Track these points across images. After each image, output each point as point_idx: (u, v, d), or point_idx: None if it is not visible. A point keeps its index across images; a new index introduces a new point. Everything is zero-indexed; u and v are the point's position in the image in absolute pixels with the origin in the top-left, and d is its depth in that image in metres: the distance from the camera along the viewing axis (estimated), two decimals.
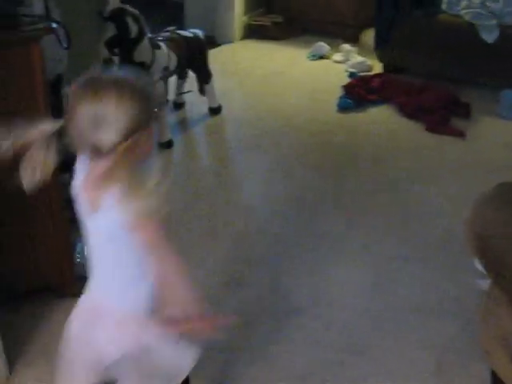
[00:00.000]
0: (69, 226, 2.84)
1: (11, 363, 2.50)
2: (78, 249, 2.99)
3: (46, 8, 3.13)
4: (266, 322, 2.77)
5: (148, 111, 1.61)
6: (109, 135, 1.55)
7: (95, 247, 1.81)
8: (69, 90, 1.60)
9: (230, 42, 6.44)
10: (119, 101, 1.54)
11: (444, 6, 5.34)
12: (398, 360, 2.57)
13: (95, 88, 1.57)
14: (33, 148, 1.67)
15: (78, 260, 2.95)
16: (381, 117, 4.74)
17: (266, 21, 6.54)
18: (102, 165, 1.59)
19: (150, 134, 1.65)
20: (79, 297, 2.74)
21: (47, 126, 1.67)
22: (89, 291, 1.89)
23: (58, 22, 2.58)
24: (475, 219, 1.85)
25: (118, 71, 1.69)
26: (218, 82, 4.93)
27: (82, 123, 1.56)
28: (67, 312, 2.74)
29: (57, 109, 3.89)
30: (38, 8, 2.73)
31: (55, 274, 2.81)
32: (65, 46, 2.66)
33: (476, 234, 1.83)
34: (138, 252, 1.67)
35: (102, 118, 1.53)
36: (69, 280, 2.84)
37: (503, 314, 1.85)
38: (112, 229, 1.66)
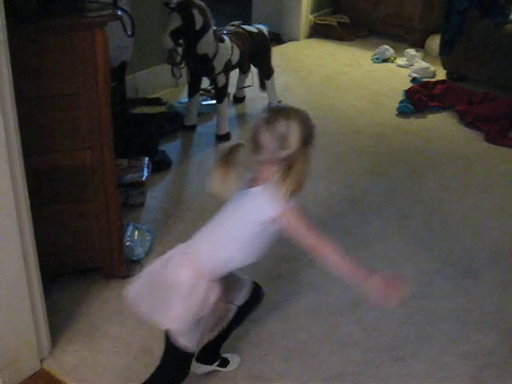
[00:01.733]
0: (121, 208, 2.90)
1: (54, 339, 2.57)
2: (128, 232, 3.05)
3: None
4: (304, 319, 2.79)
5: (308, 136, 2.11)
6: (285, 151, 2.01)
7: (222, 217, 2.18)
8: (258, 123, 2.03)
9: (296, 39, 6.46)
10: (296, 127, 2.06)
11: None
12: (436, 368, 2.55)
13: (281, 116, 2.05)
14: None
15: (128, 243, 3.00)
16: (440, 124, 4.70)
17: (332, 20, 6.55)
18: (272, 169, 2.02)
19: (307, 154, 2.11)
20: (126, 279, 2.83)
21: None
22: (189, 246, 2.20)
23: (123, 10, 2.62)
24: None
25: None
26: (280, 78, 4.95)
27: (269, 144, 2.00)
28: (113, 293, 2.82)
29: (120, 93, 4.00)
30: None
31: (105, 254, 2.86)
32: (129, 33, 2.71)
33: None
34: (256, 235, 2.05)
35: (284, 139, 2.01)
36: (117, 262, 2.90)
37: None
38: (255, 211, 2.04)
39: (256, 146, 2.04)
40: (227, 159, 2.11)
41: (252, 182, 2.09)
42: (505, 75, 5.14)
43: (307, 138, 2.11)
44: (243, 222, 2.08)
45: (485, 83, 5.20)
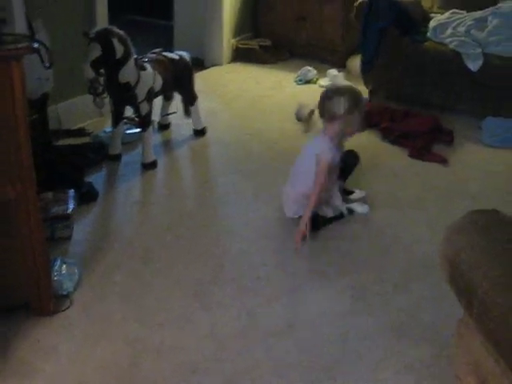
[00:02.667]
0: (47, 242, 2.85)
1: None
2: (56, 266, 3.00)
3: (31, 27, 3.16)
4: (239, 343, 2.76)
5: (352, 106, 3.46)
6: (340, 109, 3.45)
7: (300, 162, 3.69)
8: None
9: (219, 64, 6.49)
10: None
11: (429, 34, 5.40)
12: None
13: (336, 93, 3.51)
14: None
15: (56, 278, 2.95)
16: (364, 142, 4.75)
17: (253, 44, 6.60)
18: (331, 126, 3.52)
19: (355, 118, 3.50)
20: (56, 314, 2.78)
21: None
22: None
23: (40, 42, 2.59)
24: (447, 246, 1.86)
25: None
26: (204, 104, 4.96)
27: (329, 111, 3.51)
28: (44, 329, 2.76)
29: (42, 125, 3.94)
30: (20, 27, 2.74)
31: (33, 290, 2.80)
32: (47, 65, 2.67)
33: (448, 261, 1.84)
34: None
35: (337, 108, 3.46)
36: (46, 297, 2.84)
37: (474, 340, 1.86)
38: (314, 149, 3.54)
39: (321, 111, 3.53)
40: (307, 118, 3.69)
41: (321, 134, 3.57)
42: (425, 92, 5.25)
43: (351, 108, 3.45)
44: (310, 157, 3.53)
45: (407, 100, 5.30)
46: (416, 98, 5.27)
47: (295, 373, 2.61)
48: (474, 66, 4.97)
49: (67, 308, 2.91)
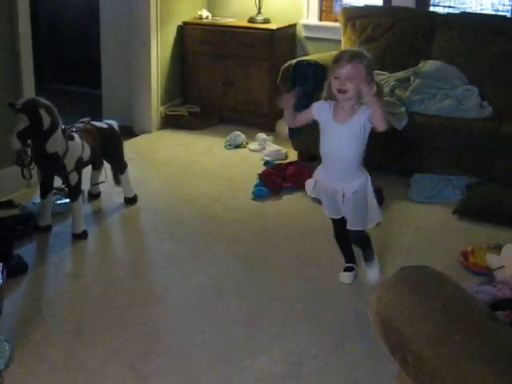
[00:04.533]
0: None
1: None
2: None
3: None
4: None
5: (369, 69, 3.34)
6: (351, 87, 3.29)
7: (337, 146, 3.46)
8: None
9: (148, 131, 6.49)
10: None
11: None
12: None
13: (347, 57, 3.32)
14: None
15: None
16: (296, 204, 4.80)
17: (182, 111, 6.63)
18: (347, 102, 3.37)
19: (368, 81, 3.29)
20: None
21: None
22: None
23: None
24: (379, 303, 1.87)
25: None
26: (134, 171, 4.95)
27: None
28: None
29: None
30: None
31: None
32: None
33: (380, 318, 1.85)
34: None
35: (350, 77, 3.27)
36: None
37: None
38: (355, 131, 3.37)
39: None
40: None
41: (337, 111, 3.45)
42: None
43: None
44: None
45: None
46: None
47: None
48: (399, 125, 5.08)
49: None
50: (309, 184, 3.70)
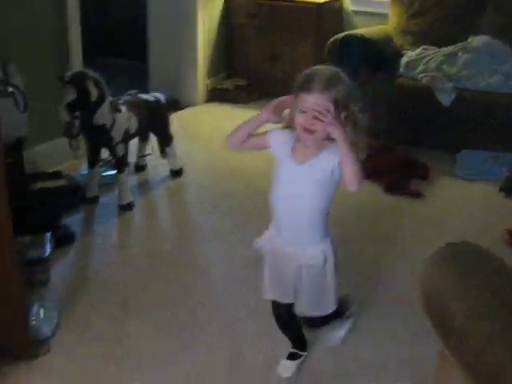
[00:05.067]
0: (24, 287, 2.82)
1: None
2: (34, 311, 2.97)
3: (5, 72, 3.16)
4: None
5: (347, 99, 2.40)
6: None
7: (291, 193, 2.47)
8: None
9: (194, 105, 6.51)
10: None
11: (402, 70, 5.46)
12: None
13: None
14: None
15: (34, 323, 2.92)
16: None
17: (228, 84, 6.64)
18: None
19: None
20: (34, 359, 2.76)
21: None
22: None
23: (15, 86, 2.59)
24: (423, 279, 1.87)
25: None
26: (180, 144, 4.96)
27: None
28: (21, 376, 2.73)
29: (18, 169, 3.93)
30: None
31: (9, 336, 2.77)
32: (21, 109, 2.67)
33: (424, 293, 1.85)
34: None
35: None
36: (23, 343, 2.81)
37: (453, 374, 1.86)
38: (319, 176, 2.36)
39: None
40: None
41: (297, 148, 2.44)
42: (398, 127, 5.28)
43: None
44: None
45: (381, 136, 5.32)
46: (389, 133, 5.30)
47: None
48: (446, 100, 5.02)
49: (46, 353, 2.88)
50: (261, 240, 2.69)
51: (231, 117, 6.16)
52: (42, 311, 3.02)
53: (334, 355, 2.92)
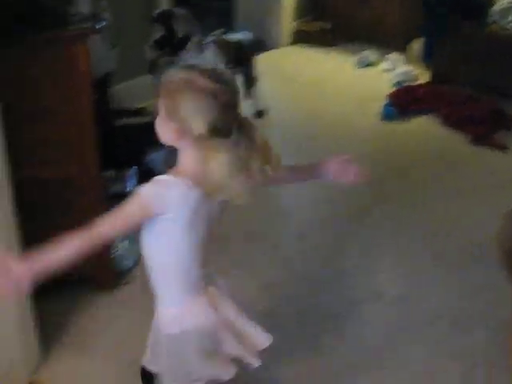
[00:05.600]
0: None
1: (46, 350, 2.56)
2: (117, 242, 3.05)
3: (95, 8, 3.21)
4: (295, 326, 2.79)
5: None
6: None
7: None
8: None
9: (279, 46, 6.48)
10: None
11: (493, 18, 5.32)
12: (426, 371, 2.56)
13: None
14: None
15: (117, 253, 3.00)
16: (424, 127, 4.73)
17: (314, 27, 6.59)
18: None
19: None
20: (116, 289, 2.85)
21: None
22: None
23: (105, 22, 2.64)
24: (502, 234, 1.87)
25: None
26: (264, 85, 4.97)
27: None
28: (103, 303, 2.83)
29: (104, 105, 4.01)
30: (86, 8, 2.79)
31: (94, 265, 2.85)
32: (110, 45, 2.72)
33: (502, 247, 1.84)
34: None
35: None
36: (106, 272, 2.90)
37: None
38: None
39: None
40: None
41: None
42: (487, 77, 5.18)
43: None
44: None
45: (469, 85, 5.23)
46: (478, 82, 5.21)
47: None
48: None
49: (127, 283, 2.98)
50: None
51: (316, 59, 6.13)
52: (125, 243, 3.10)
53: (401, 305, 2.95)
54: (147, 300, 2.86)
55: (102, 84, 3.97)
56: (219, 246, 2.30)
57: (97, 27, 2.53)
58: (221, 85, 1.65)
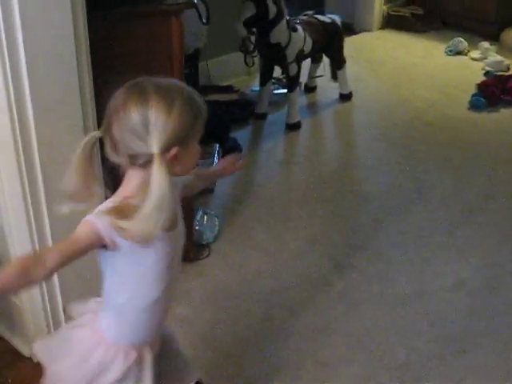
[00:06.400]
0: None
1: None
2: (198, 217, 3.10)
3: None
4: (369, 308, 2.79)
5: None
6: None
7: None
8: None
9: (368, 30, 6.45)
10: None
11: None
12: (500, 362, 2.52)
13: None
14: None
15: (197, 227, 3.06)
16: (509, 118, 4.65)
17: (405, 12, 6.52)
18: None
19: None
20: (195, 262, 2.90)
21: None
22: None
23: None
24: None
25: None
26: (351, 69, 4.95)
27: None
28: (182, 275, 2.87)
29: (193, 80, 4.06)
30: None
31: None
32: (204, 21, 2.76)
33: None
34: None
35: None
36: (187, 245, 2.93)
37: None
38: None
39: None
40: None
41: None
42: None
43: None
44: None
45: None
46: None
47: (421, 342, 2.62)
48: None
49: (206, 257, 3.03)
50: None
51: (406, 45, 6.08)
52: (205, 218, 3.16)
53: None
54: (224, 274, 2.94)
55: (192, 59, 4.02)
56: None
57: (192, 2, 2.56)
58: None
